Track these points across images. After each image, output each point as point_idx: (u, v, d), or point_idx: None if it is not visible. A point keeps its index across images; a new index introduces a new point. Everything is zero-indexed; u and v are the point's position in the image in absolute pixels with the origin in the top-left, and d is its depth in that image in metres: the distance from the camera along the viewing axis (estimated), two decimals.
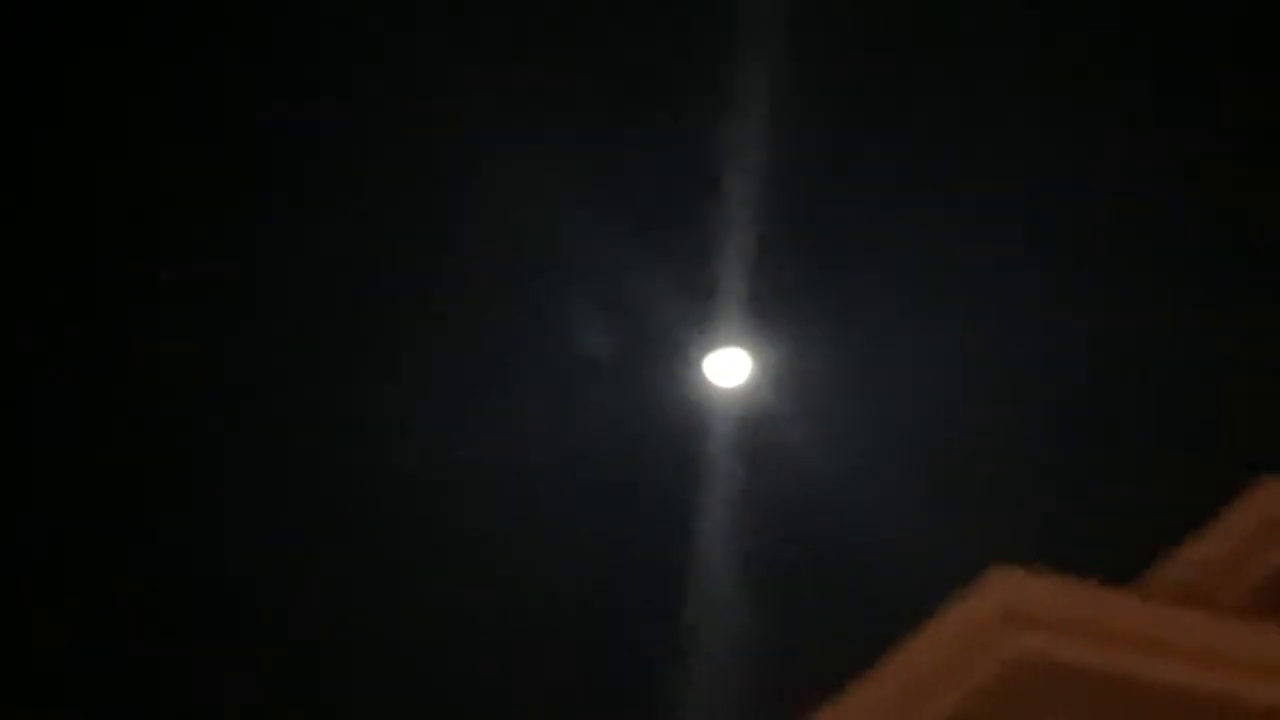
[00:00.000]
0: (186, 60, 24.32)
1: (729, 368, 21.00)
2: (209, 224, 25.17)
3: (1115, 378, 25.25)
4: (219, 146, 24.84)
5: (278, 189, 25.40)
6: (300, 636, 26.63)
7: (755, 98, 21.78)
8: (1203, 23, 24.19)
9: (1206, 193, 24.73)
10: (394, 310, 26.45)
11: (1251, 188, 24.42)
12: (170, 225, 25.20)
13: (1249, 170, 24.19)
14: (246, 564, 26.59)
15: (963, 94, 24.82)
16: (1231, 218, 24.83)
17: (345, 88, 24.53)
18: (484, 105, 23.62)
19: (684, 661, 23.14)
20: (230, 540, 26.32)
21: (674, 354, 22.33)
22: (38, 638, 25.12)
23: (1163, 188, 24.51)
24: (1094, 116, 24.62)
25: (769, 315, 22.07)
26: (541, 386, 25.76)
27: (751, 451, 22.40)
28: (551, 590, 26.93)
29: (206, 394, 25.78)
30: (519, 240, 24.68)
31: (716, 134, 21.84)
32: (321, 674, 27.00)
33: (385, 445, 26.37)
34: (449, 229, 25.36)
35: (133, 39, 24.28)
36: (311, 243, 25.48)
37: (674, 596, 23.97)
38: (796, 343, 22.90)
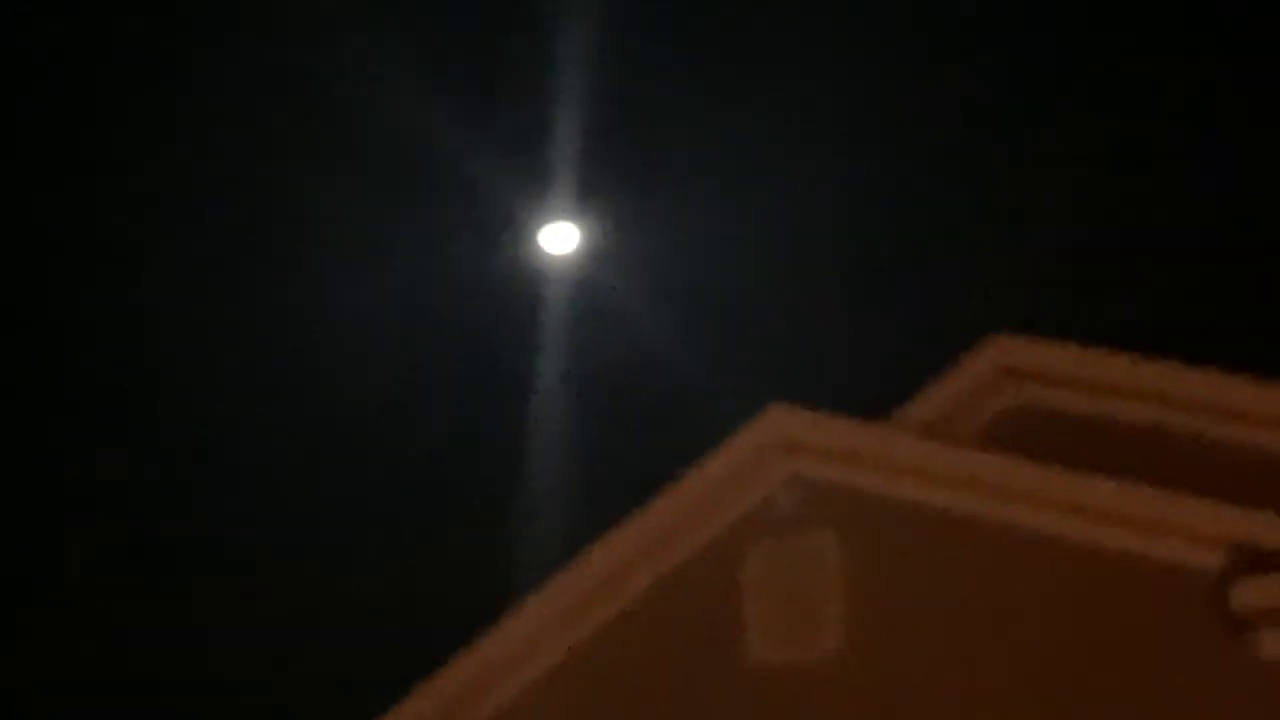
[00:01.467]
0: None
1: (560, 239, 21.36)
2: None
3: (892, 248, 26.72)
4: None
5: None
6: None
7: None
8: None
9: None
10: (248, 191, 26.97)
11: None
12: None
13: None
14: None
15: None
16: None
17: None
18: None
19: (518, 503, 24.16)
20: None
21: (510, 226, 22.73)
22: None
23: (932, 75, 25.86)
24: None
25: (596, 191, 22.71)
26: (393, 257, 26.55)
27: (581, 312, 23.05)
28: (394, 434, 27.86)
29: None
30: (365, 122, 24.93)
31: (547, 15, 22.01)
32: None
33: (248, 307, 27.04)
34: (299, 113, 25.50)
35: None
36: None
37: (511, 440, 24.95)
38: (621, 216, 23.63)
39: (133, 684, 24.32)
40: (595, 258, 22.49)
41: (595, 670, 14.20)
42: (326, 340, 26.46)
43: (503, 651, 14.51)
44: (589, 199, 21.92)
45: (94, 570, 25.80)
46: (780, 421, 14.02)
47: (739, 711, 13.71)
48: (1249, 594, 12.21)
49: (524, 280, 22.71)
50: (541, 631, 14.45)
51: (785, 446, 14.01)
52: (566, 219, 21.35)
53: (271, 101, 25.38)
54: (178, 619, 25.09)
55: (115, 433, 26.76)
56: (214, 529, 26.27)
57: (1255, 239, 25.18)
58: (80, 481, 26.27)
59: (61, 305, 26.52)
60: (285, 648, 24.63)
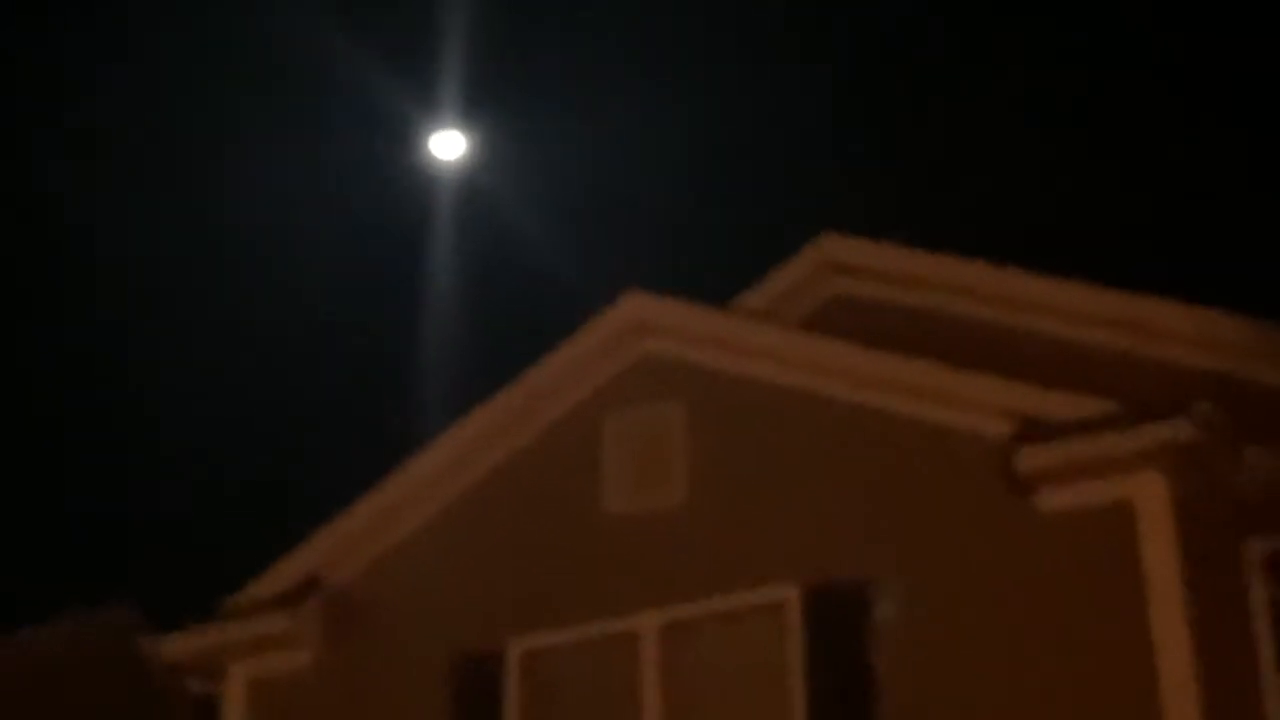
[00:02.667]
0: None
1: (448, 146, 21.13)
2: None
3: (741, 155, 26.92)
4: None
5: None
6: None
7: None
8: None
9: None
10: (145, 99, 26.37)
11: None
12: None
13: None
14: None
15: None
16: None
17: None
18: None
19: (410, 378, 24.23)
20: None
21: (404, 134, 22.63)
22: None
23: None
24: None
25: (481, 102, 22.85)
26: (299, 164, 26.20)
27: (467, 211, 23.16)
28: (300, 323, 27.74)
29: None
30: (260, 34, 24.36)
31: None
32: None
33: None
34: (193, 21, 25.14)
35: None
36: None
37: (406, 323, 24.98)
38: (503, 125, 23.65)
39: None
40: (480, 163, 22.42)
41: (476, 515, 14.30)
42: (227, 241, 26.25)
43: (398, 496, 14.56)
44: (474, 109, 21.85)
45: None
46: (635, 306, 14.20)
47: (598, 552, 13.80)
48: (1032, 458, 12.45)
49: (415, 183, 22.60)
50: (431, 480, 14.50)
51: (639, 328, 14.18)
52: (454, 127, 21.23)
53: (166, 12, 24.98)
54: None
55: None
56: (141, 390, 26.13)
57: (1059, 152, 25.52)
58: None
59: None
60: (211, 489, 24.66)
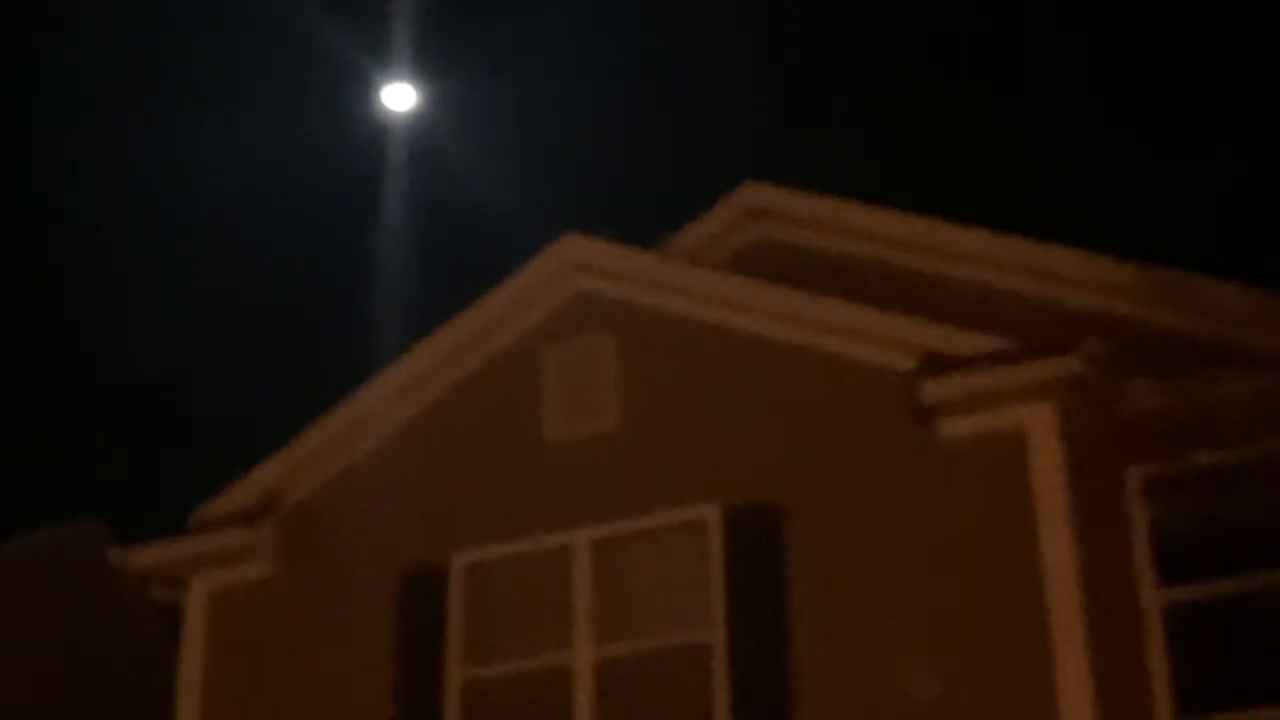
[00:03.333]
0: None
1: (400, 97, 20.81)
2: None
3: (668, 110, 26.99)
4: None
5: None
6: None
7: None
8: None
9: None
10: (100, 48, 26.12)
11: None
12: None
13: None
14: None
15: None
16: None
17: None
18: None
19: (365, 312, 24.17)
20: None
21: (357, 86, 22.46)
22: None
23: None
24: None
25: (432, 56, 22.65)
26: (253, 111, 26.18)
27: (418, 159, 23.07)
28: (262, 261, 27.62)
29: None
30: None
31: None
32: None
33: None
34: None
35: None
36: None
37: (359, 263, 24.84)
38: (453, 77, 23.71)
39: None
40: (430, 114, 22.32)
41: (424, 438, 14.32)
42: (188, 186, 26.07)
43: (352, 420, 14.58)
44: (425, 63, 21.72)
45: None
46: (571, 247, 14.25)
47: (536, 473, 13.86)
48: (934, 390, 12.59)
49: (368, 133, 22.50)
50: (383, 406, 14.52)
51: (575, 267, 14.23)
52: (405, 80, 21.06)
53: None
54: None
55: None
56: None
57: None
58: None
59: None
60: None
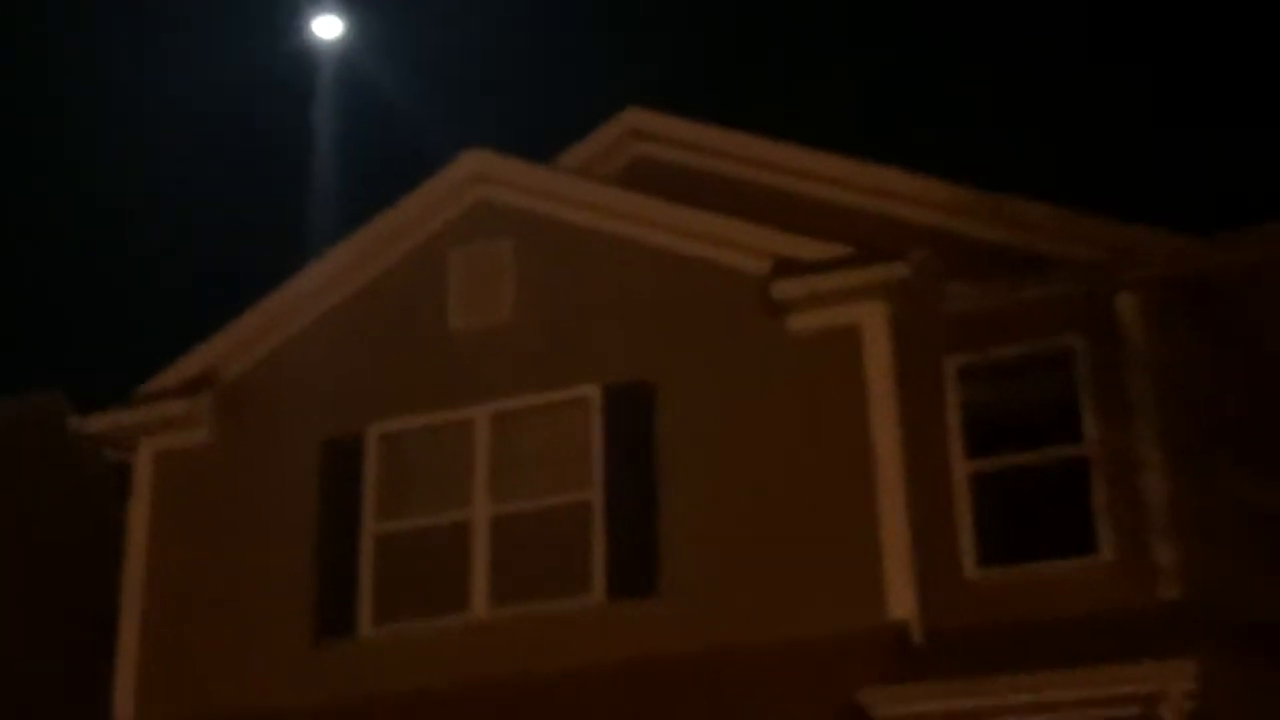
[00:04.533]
0: None
1: (327, 27, 20.42)
2: None
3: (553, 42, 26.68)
4: None
5: None
6: None
7: None
8: None
9: None
10: None
11: None
12: None
13: None
14: None
15: None
16: None
17: None
18: None
19: (298, 222, 24.00)
20: None
21: (287, 15, 22.28)
22: None
23: None
24: None
25: None
26: (193, 50, 25.76)
27: (345, 85, 22.88)
28: (207, 178, 27.32)
29: None
30: None
31: None
32: None
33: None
34: None
35: None
36: None
37: (292, 180, 24.65)
38: (376, 8, 23.31)
39: None
40: (356, 42, 22.07)
41: (345, 323, 14.39)
42: (133, 107, 25.65)
43: (282, 307, 14.61)
44: None
45: None
46: (474, 160, 14.28)
47: (442, 356, 13.92)
48: (784, 290, 12.81)
49: (299, 60, 22.28)
50: (309, 295, 14.56)
51: (478, 178, 14.27)
52: (332, 12, 20.70)
53: None
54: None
55: None
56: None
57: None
58: None
59: None
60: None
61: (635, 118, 15.38)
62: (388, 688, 13.06)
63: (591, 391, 13.30)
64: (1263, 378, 12.01)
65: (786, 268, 12.90)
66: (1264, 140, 17.02)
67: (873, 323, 12.69)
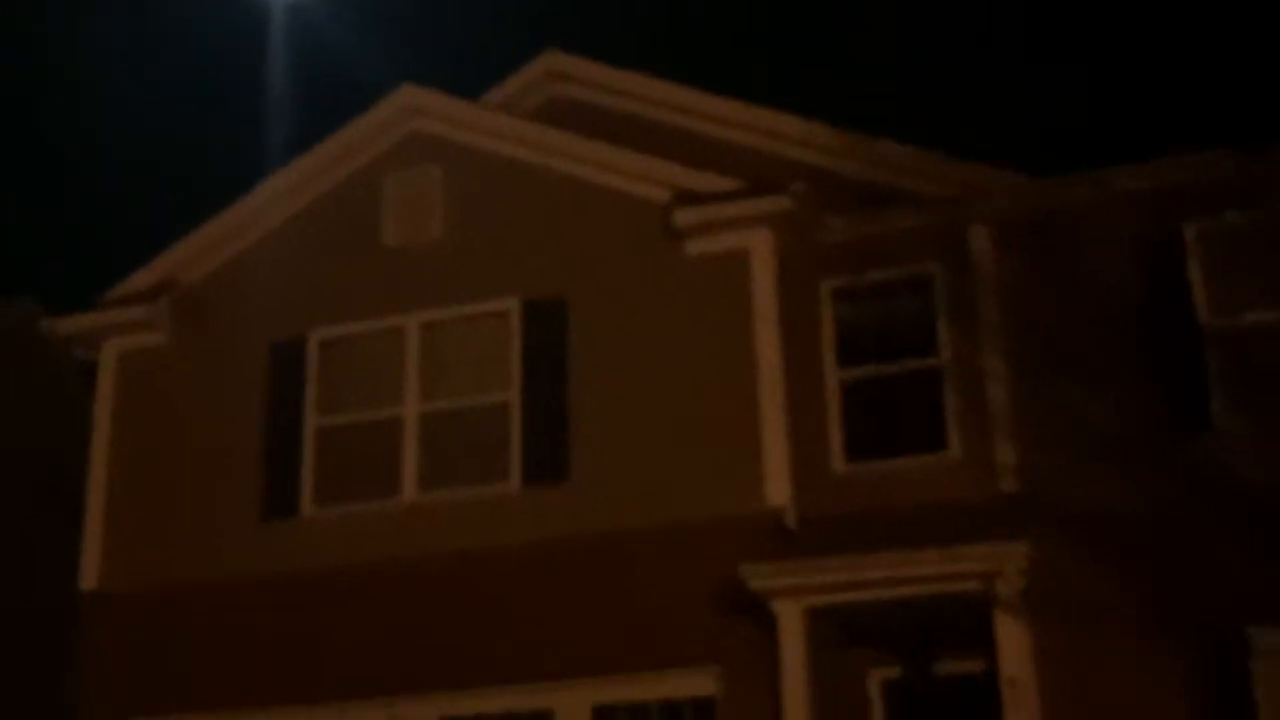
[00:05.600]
0: None
1: None
2: None
3: None
4: None
5: None
6: None
7: None
8: None
9: None
10: None
11: None
12: None
13: None
14: None
15: None
16: None
17: None
18: None
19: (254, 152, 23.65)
20: None
21: None
22: None
23: None
24: None
25: None
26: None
27: (294, 32, 22.53)
28: (154, 116, 26.85)
29: None
30: None
31: None
32: None
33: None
34: None
35: None
36: None
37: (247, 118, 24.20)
38: None
39: None
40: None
41: (291, 239, 14.33)
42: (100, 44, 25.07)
43: (234, 222, 14.55)
44: None
45: None
46: (408, 95, 14.23)
47: (377, 270, 13.92)
48: (683, 217, 12.92)
49: (252, 18, 21.87)
50: (259, 212, 14.50)
51: (411, 111, 14.22)
52: None
53: None
54: None
55: None
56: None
57: None
58: None
59: None
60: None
61: (553, 60, 15.39)
62: (326, 562, 13.16)
63: (511, 304, 13.35)
64: (1092, 302, 12.13)
65: (685, 198, 12.99)
66: (1104, 91, 17.15)
67: (759, 248, 12.80)
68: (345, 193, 14.27)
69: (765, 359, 12.58)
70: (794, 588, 11.65)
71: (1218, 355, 11.71)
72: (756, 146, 14.06)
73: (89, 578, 13.85)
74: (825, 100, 16.52)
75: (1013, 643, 11.17)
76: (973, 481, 12.05)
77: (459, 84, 14.64)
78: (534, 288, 13.34)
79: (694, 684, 12.05)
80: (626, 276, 13.15)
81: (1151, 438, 11.69)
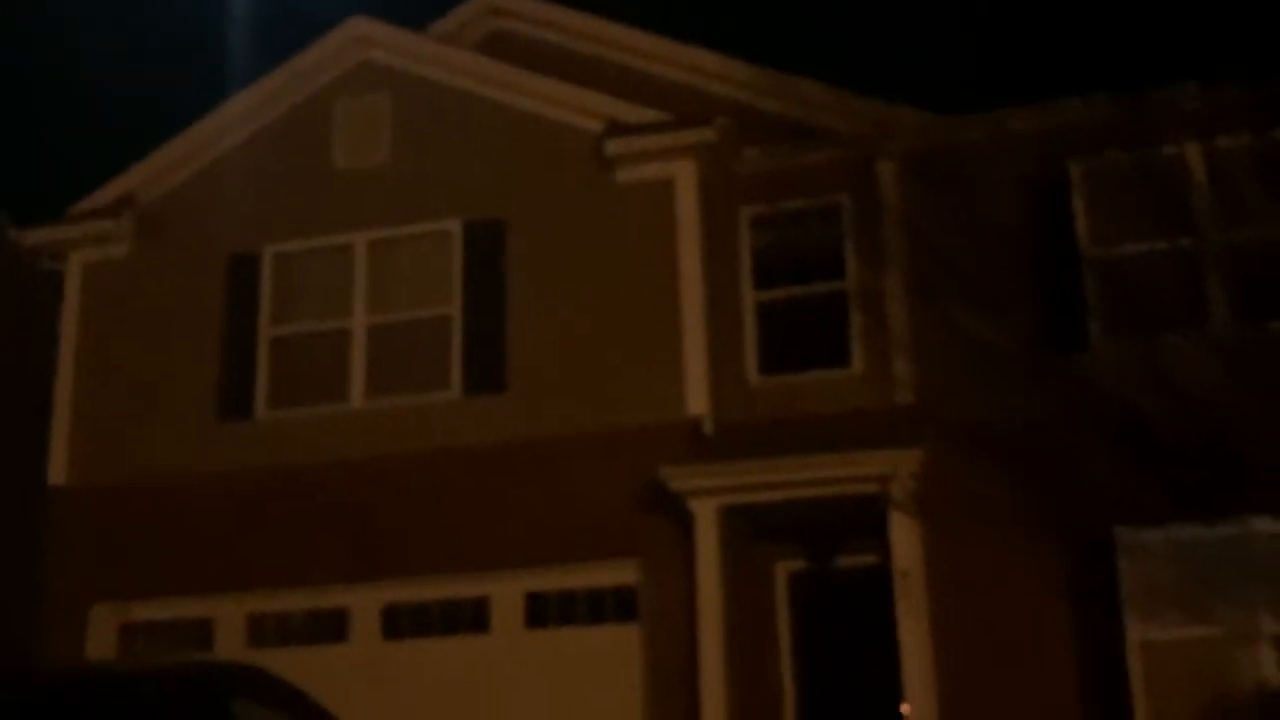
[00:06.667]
0: None
1: None
2: None
3: None
4: None
5: None
6: None
7: None
8: None
9: None
10: None
11: None
12: None
13: None
14: None
15: None
16: None
17: None
18: None
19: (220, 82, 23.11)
20: None
21: None
22: None
23: None
24: None
25: None
26: None
27: None
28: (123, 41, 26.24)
29: None
30: None
31: None
32: None
33: None
34: None
35: None
36: None
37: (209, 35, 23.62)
38: None
39: None
40: None
41: (247, 160, 14.26)
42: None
43: (193, 143, 14.48)
44: None
45: None
46: (358, 26, 14.21)
47: (328, 190, 13.91)
48: (614, 147, 13.00)
49: None
50: (217, 133, 14.45)
51: (361, 41, 14.20)
52: None
53: None
54: None
55: None
56: None
57: None
58: None
59: None
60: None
61: None
62: (279, 461, 13.25)
63: (453, 225, 13.38)
64: (984, 232, 12.30)
65: (616, 129, 13.06)
66: (1004, 35, 17.00)
67: (684, 177, 12.90)
68: (298, 117, 14.22)
69: (687, 280, 12.71)
70: (709, 488, 11.91)
71: (1096, 282, 11.96)
72: (683, 81, 14.09)
73: (57, 473, 13.91)
74: (747, 39, 16.51)
75: (905, 539, 11.50)
76: (872, 394, 12.26)
77: (406, 17, 14.57)
78: (474, 210, 13.37)
79: (617, 574, 12.34)
80: (561, 201, 13.20)
81: (1034, 356, 11.95)
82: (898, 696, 11.44)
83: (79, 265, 14.43)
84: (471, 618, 12.76)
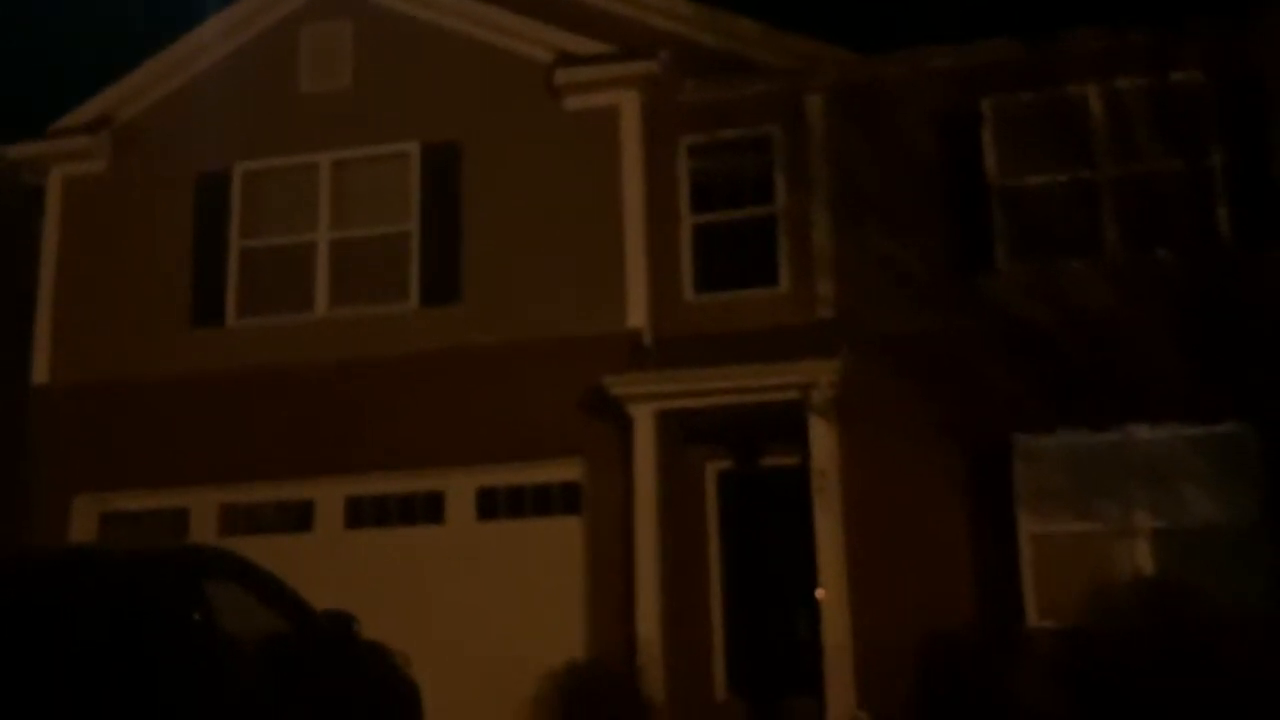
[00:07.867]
0: None
1: None
2: None
3: None
4: None
5: None
6: None
7: None
8: None
9: None
10: None
11: None
12: None
13: None
14: None
15: None
16: None
17: None
18: None
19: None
20: None
21: None
22: None
23: None
24: None
25: None
26: None
27: None
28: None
29: None
30: None
31: None
32: None
33: None
34: None
35: None
36: None
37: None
38: None
39: None
40: None
41: (215, 84, 14.15)
42: None
43: (166, 65, 14.36)
44: None
45: None
46: None
47: (293, 113, 13.84)
48: (564, 76, 13.01)
49: None
50: (188, 57, 14.31)
51: None
52: None
53: None
54: None
55: None
56: None
57: None
58: None
59: None
60: None
61: None
62: (248, 364, 13.32)
63: (411, 147, 13.37)
64: (903, 162, 12.46)
65: (566, 60, 13.06)
66: None
67: (628, 106, 12.96)
68: (267, 42, 14.11)
69: (630, 203, 12.80)
70: (647, 394, 12.10)
71: (1002, 210, 12.22)
72: (629, 16, 14.00)
73: (40, 373, 13.97)
74: None
75: (823, 441, 11.76)
76: (797, 310, 12.46)
77: None
78: (432, 133, 13.35)
79: (562, 471, 12.54)
80: (513, 126, 13.20)
81: (944, 276, 12.20)
82: (814, 582, 11.78)
83: (59, 180, 14.38)
84: (427, 509, 12.92)
